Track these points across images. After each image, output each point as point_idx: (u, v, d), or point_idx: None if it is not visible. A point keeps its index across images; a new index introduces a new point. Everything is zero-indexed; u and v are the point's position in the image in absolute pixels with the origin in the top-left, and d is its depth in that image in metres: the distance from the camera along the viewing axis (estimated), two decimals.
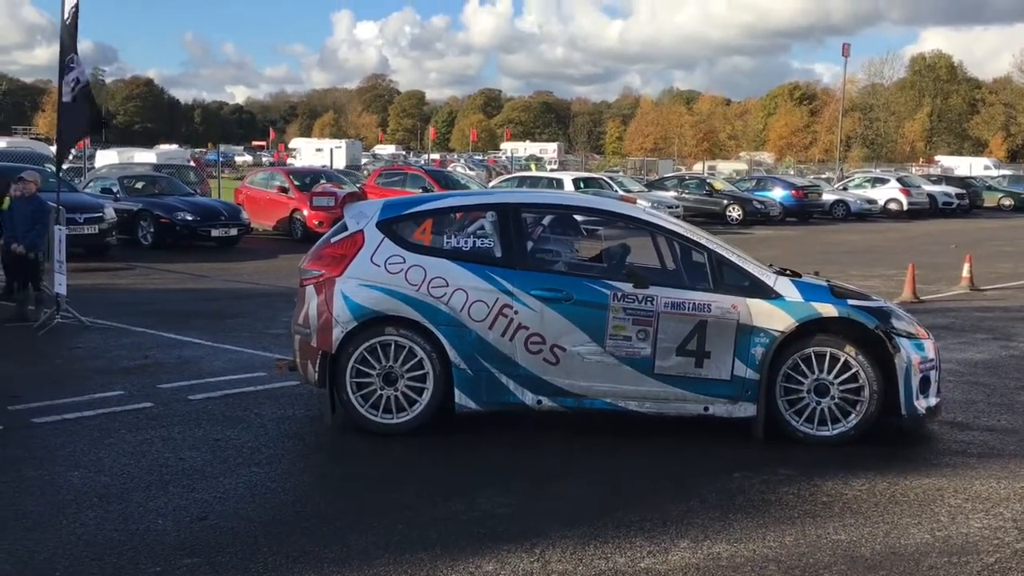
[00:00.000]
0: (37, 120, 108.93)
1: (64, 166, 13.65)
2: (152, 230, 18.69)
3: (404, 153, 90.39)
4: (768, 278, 6.41)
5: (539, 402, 6.38)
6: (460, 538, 4.65)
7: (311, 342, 6.49)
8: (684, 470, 5.79)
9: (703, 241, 6.64)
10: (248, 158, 76.31)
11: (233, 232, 19.22)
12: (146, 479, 5.43)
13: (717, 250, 6.54)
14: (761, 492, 5.38)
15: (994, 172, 57.07)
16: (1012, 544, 4.64)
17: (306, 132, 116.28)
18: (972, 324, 11.36)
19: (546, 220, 7.05)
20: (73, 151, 20.29)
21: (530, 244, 6.75)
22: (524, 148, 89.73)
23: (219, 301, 12.45)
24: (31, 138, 63.36)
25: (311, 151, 68.87)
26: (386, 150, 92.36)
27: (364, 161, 64.54)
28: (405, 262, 6.46)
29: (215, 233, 18.93)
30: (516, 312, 6.31)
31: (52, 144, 46.44)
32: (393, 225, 6.68)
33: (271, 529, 4.74)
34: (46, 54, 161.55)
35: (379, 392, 6.39)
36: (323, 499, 5.29)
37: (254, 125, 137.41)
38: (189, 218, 18.74)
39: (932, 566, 4.38)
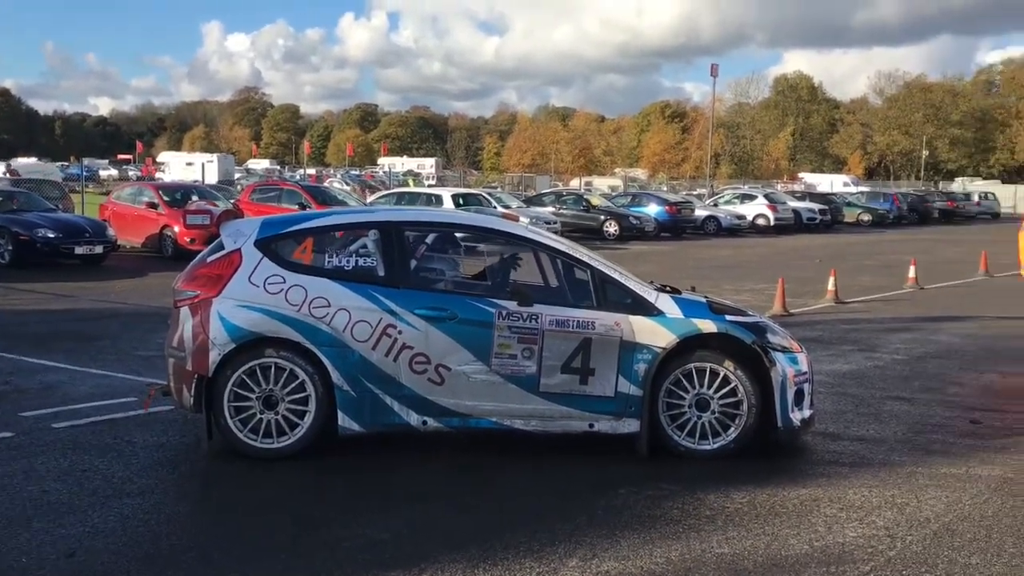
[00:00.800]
0: None
1: None
2: (10, 248, 17.74)
3: (279, 168, 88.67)
4: (649, 295, 6.51)
5: (424, 423, 6.29)
6: (345, 565, 4.53)
7: (186, 365, 6.25)
8: (570, 488, 5.80)
9: (586, 258, 6.70)
10: (113, 172, 73.65)
11: (99, 249, 18.44)
12: (7, 515, 5.11)
13: (599, 267, 6.60)
14: (647, 507, 5.43)
15: (853, 189, 59.73)
16: (885, 552, 4.80)
17: (175, 146, 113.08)
18: (839, 336, 11.81)
19: (429, 238, 6.98)
20: None
21: (413, 263, 6.68)
22: (402, 163, 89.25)
23: (85, 322, 11.90)
24: None
25: (181, 165, 66.83)
26: (260, 165, 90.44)
27: (237, 176, 62.95)
28: (285, 282, 6.30)
29: (79, 251, 18.12)
30: (400, 332, 6.22)
31: None
32: (272, 244, 6.50)
33: (145, 564, 4.52)
34: None
35: (259, 416, 6.20)
36: (201, 529, 5.08)
37: (119, 138, 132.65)
38: (51, 235, 17.89)
39: None
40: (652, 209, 34.16)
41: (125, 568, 4.46)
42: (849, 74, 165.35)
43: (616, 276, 6.58)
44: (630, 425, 6.34)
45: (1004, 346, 11.19)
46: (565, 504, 5.49)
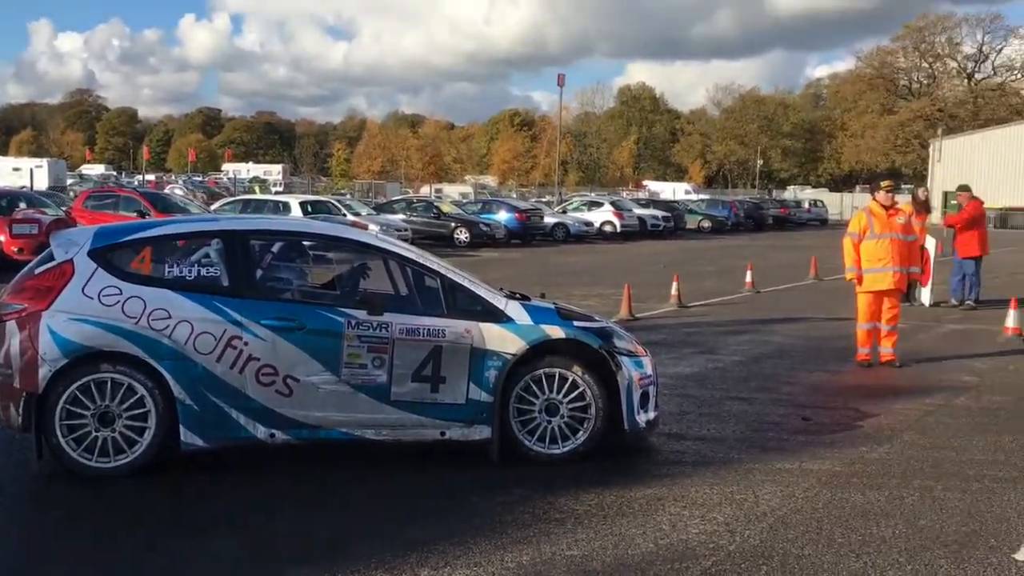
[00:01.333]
0: None
1: None
2: None
3: (115, 174, 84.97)
4: (499, 302, 6.56)
5: (272, 435, 6.15)
6: None
7: (13, 383, 5.91)
8: (422, 497, 5.78)
9: (435, 266, 6.70)
10: None
11: None
12: None
13: (449, 275, 6.62)
14: (498, 513, 5.47)
15: (694, 196, 62.00)
16: (726, 547, 4.99)
17: (1, 150, 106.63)
18: (681, 339, 12.22)
19: (276, 247, 6.84)
20: None
21: (259, 272, 6.53)
22: (247, 169, 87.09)
23: None
24: None
25: (7, 170, 62.90)
26: (94, 170, 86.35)
27: (70, 182, 59.91)
28: (122, 293, 6.04)
29: None
30: (246, 343, 6.07)
31: None
32: (107, 254, 6.23)
33: None
34: None
35: (94, 434, 5.92)
36: (31, 554, 4.81)
37: None
38: None
39: (657, 573, 4.62)
40: (502, 216, 34.47)
41: None
42: (689, 86, 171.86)
43: (466, 283, 6.61)
44: (482, 432, 6.37)
45: (832, 345, 11.82)
46: (417, 513, 5.47)
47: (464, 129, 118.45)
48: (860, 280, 10.50)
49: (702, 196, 62.02)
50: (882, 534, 5.22)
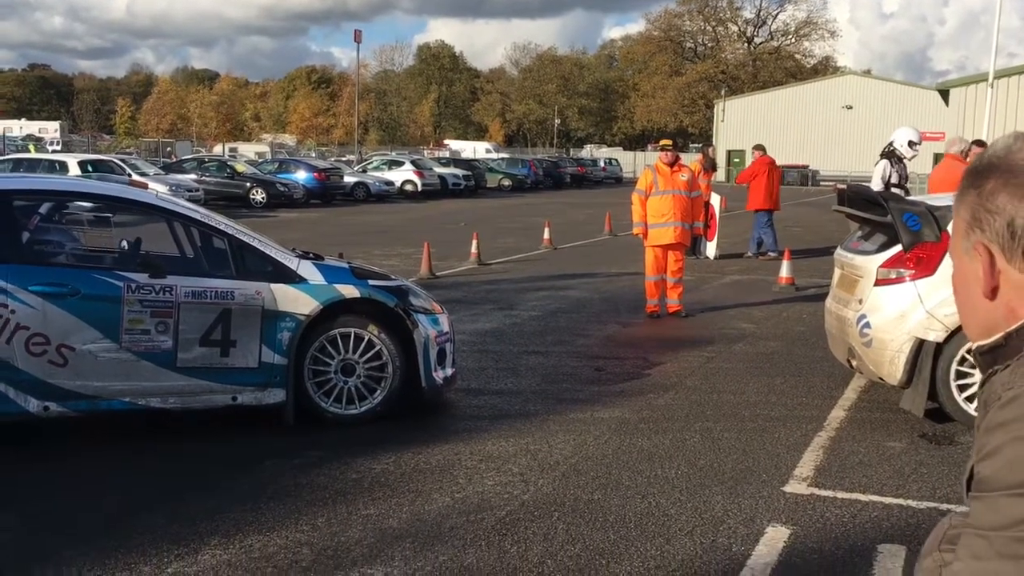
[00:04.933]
0: None
1: None
2: None
3: None
4: (291, 262, 6.40)
5: (46, 408, 5.77)
6: None
7: None
8: (212, 466, 5.59)
9: (222, 227, 6.44)
10: None
11: None
12: None
13: (237, 235, 6.39)
14: (293, 477, 5.37)
15: (494, 155, 62.67)
16: (520, 496, 5.11)
17: None
18: (481, 296, 12.37)
19: (44, 208, 6.38)
20: None
21: (26, 235, 6.08)
22: (20, 127, 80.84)
23: None
24: None
25: None
26: None
27: None
28: None
29: None
30: (12, 311, 5.64)
31: None
32: None
33: None
34: None
35: None
36: None
37: None
38: None
39: (453, 527, 4.67)
40: (301, 176, 33.67)
41: None
42: (490, 44, 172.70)
43: (255, 244, 6.40)
44: (275, 395, 6.23)
45: (624, 298, 12.28)
46: (207, 482, 5.29)
47: (260, 86, 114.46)
48: (646, 234, 10.93)
49: (502, 155, 62.76)
50: (666, 475, 5.49)
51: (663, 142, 11.38)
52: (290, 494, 5.10)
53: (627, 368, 8.35)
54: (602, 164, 62.76)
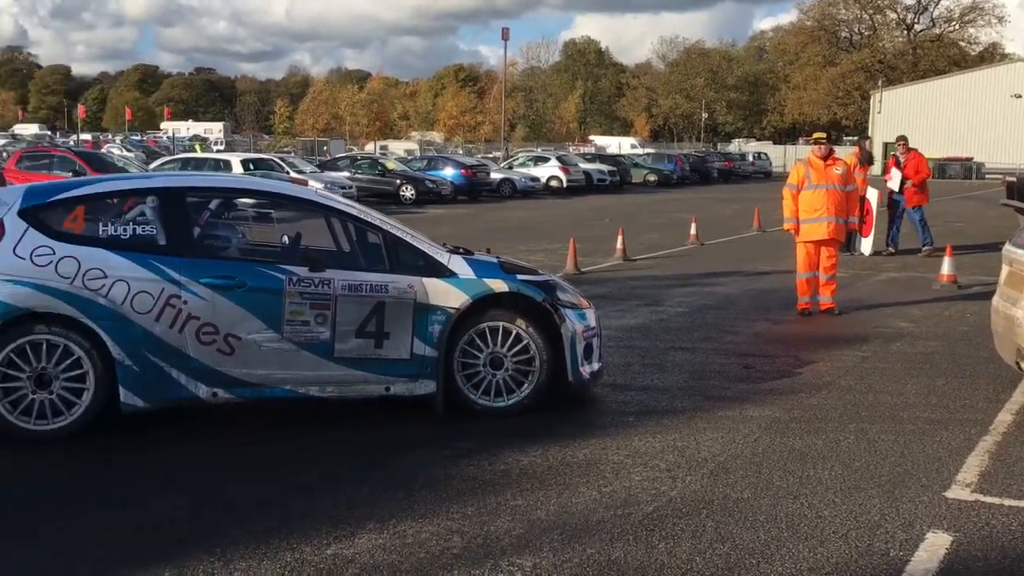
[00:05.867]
0: None
1: None
2: None
3: (50, 133, 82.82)
4: (442, 256, 6.55)
5: (214, 394, 6.10)
6: (133, 547, 4.34)
7: None
8: (367, 452, 5.79)
9: (377, 222, 6.65)
10: None
11: None
12: None
13: (391, 230, 6.58)
14: (443, 467, 5.50)
15: (640, 151, 62.20)
16: (667, 492, 5.08)
17: None
18: (626, 292, 12.32)
19: (213, 204, 6.73)
20: None
21: (197, 230, 6.43)
22: (187, 128, 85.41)
23: None
24: None
25: None
26: (28, 130, 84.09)
27: (2, 142, 58.32)
28: (55, 253, 5.91)
29: None
30: (185, 302, 5.98)
31: None
32: (39, 213, 6.08)
33: None
34: None
35: (31, 396, 5.81)
36: None
37: None
38: None
39: (600, 520, 4.69)
40: (448, 172, 34.29)
41: None
42: (636, 39, 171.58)
43: (408, 239, 6.57)
44: (426, 386, 6.38)
45: (773, 296, 12.00)
46: (362, 469, 5.48)
47: (410, 85, 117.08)
48: (798, 230, 10.65)
49: (648, 150, 62.24)
50: (819, 476, 5.35)
51: (816, 135, 11.07)
52: (440, 483, 5.23)
53: (777, 366, 8.16)
54: (750, 158, 61.38)
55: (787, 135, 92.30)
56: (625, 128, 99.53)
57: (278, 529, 4.54)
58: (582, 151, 57.19)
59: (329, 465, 5.56)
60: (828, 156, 10.69)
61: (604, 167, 42.86)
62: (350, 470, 5.45)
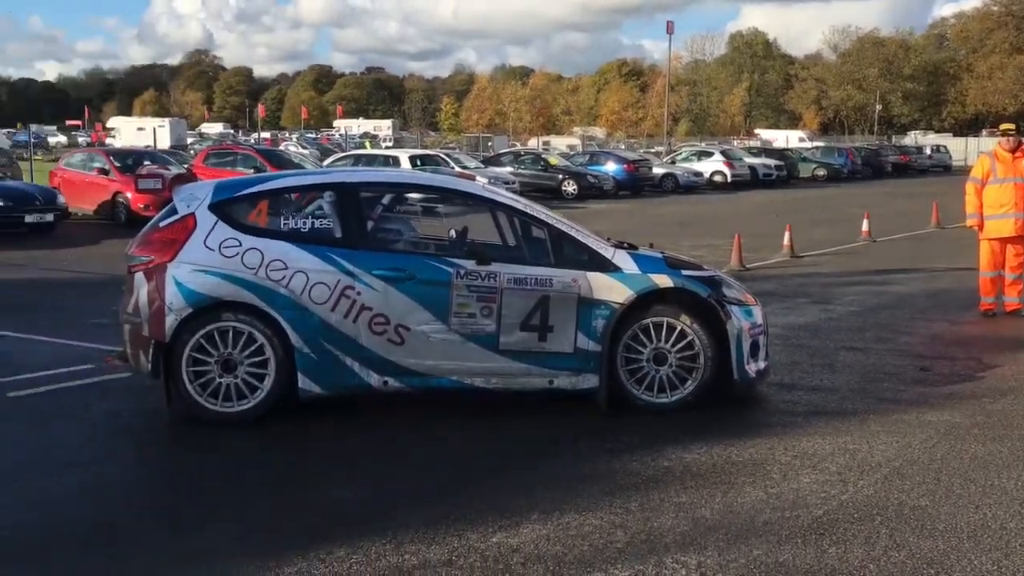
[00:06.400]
0: None
1: None
2: None
3: (232, 132, 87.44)
4: (606, 251, 6.55)
5: (385, 383, 6.31)
6: (310, 527, 4.56)
7: (142, 331, 6.20)
8: (531, 444, 5.86)
9: (542, 216, 6.72)
10: (62, 138, 72.10)
11: (49, 218, 18.11)
12: None
13: (556, 225, 6.63)
14: (606, 461, 5.51)
15: (808, 144, 60.20)
16: (838, 496, 4.92)
17: (125, 111, 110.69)
18: (794, 290, 11.98)
19: (385, 199, 6.96)
20: None
21: (370, 223, 6.67)
22: (358, 125, 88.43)
23: (36, 291, 11.74)
24: None
25: (132, 131, 65.44)
26: (213, 129, 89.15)
27: (190, 140, 61.97)
28: (241, 245, 6.25)
29: (29, 219, 17.79)
30: (359, 293, 6.22)
31: None
32: (227, 207, 6.45)
33: (106, 530, 4.52)
34: None
35: (217, 380, 6.17)
36: (162, 495, 5.10)
37: (67, 103, 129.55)
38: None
39: (767, 521, 4.60)
40: (610, 167, 34.20)
41: (85, 534, 4.46)
42: (806, 30, 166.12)
43: (573, 233, 6.61)
44: (589, 381, 6.41)
45: (953, 295, 11.41)
46: (526, 459, 5.56)
47: (573, 81, 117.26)
48: (981, 227, 10.09)
49: (817, 144, 60.16)
50: (1003, 485, 5.07)
51: (1004, 126, 10.45)
52: (603, 476, 5.24)
53: (957, 369, 7.76)
54: (928, 151, 58.36)
55: (969, 127, 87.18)
56: (793, 121, 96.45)
57: (446, 516, 4.66)
58: (747, 145, 55.80)
59: (494, 456, 5.66)
60: (1016, 148, 10.07)
61: (770, 161, 41.75)
62: (514, 461, 5.54)
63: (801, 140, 67.11)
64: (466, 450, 5.77)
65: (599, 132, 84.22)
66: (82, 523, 4.60)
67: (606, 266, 6.46)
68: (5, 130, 62.56)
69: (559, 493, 4.97)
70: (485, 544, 4.33)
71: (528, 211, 6.77)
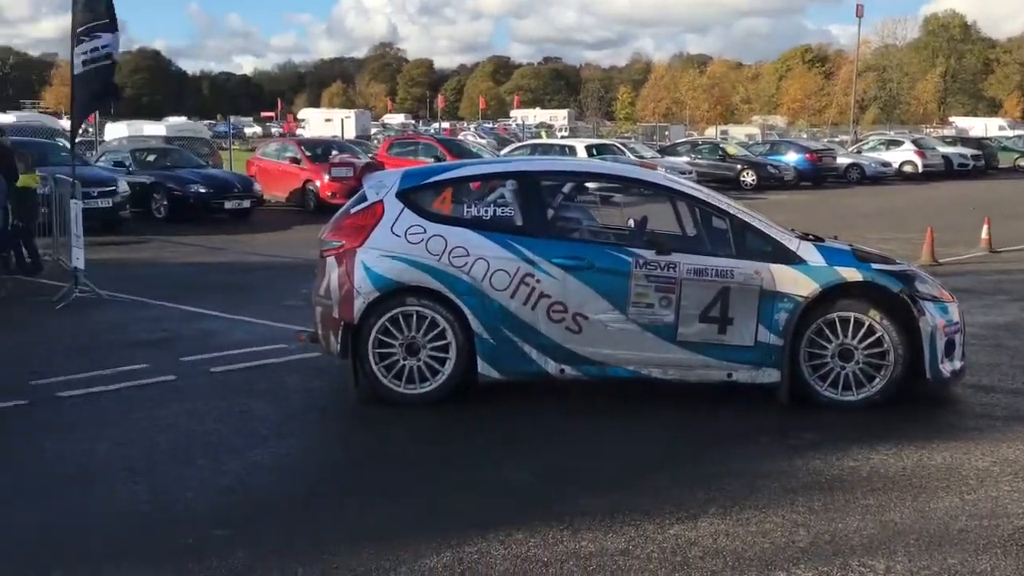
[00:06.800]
0: (44, 94, 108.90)
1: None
2: (165, 203, 18.65)
3: (413, 122, 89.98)
4: (791, 243, 6.37)
5: (562, 370, 6.36)
6: (488, 508, 4.66)
7: (333, 313, 6.48)
8: (709, 436, 5.78)
9: (725, 206, 6.59)
10: (257, 129, 76.11)
11: (246, 204, 19.20)
12: (172, 452, 5.45)
13: (739, 215, 6.49)
14: (788, 457, 5.36)
15: (1009, 132, 56.46)
16: None
17: (314, 102, 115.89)
18: (992, 287, 11.28)
19: (566, 187, 6.99)
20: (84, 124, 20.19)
21: (551, 212, 6.72)
22: (534, 115, 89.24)
23: (234, 273, 12.46)
24: (39, 112, 63.31)
25: (320, 121, 68.53)
26: (395, 119, 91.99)
27: (374, 131, 64.20)
28: (426, 232, 6.43)
29: (228, 205, 18.91)
30: (538, 281, 6.28)
31: (62, 118, 46.27)
32: (413, 195, 6.64)
33: (300, 501, 4.76)
34: (52, 26, 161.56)
35: (402, 362, 6.38)
36: (349, 471, 5.32)
37: (262, 96, 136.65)
38: (202, 190, 18.70)
39: (963, 529, 4.36)
40: (791, 157, 33.13)
41: (281, 505, 4.71)
42: (1010, 11, 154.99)
43: (756, 224, 6.46)
44: (770, 375, 6.25)
45: None
46: (703, 452, 5.48)
47: (753, 68, 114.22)
48: None
49: (1018, 132, 56.30)
50: None
51: None
52: (785, 473, 5.10)
53: None
54: None
55: None
56: (992, 109, 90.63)
57: (620, 505, 4.66)
58: (940, 134, 52.85)
59: (668, 447, 5.62)
60: None
61: (966, 151, 39.33)
62: (690, 453, 5.47)
63: (1001, 128, 63.01)
64: (639, 440, 5.74)
65: (780, 121, 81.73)
66: (281, 495, 4.85)
67: (790, 258, 6.28)
68: (206, 121, 66.54)
69: (738, 488, 4.87)
70: (663, 535, 4.30)
71: (710, 200, 6.66)
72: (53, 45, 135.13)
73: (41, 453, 5.42)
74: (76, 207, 10.35)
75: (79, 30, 10.13)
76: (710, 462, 5.30)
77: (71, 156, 11.96)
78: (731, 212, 6.51)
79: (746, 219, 6.47)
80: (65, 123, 36.36)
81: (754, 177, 30.79)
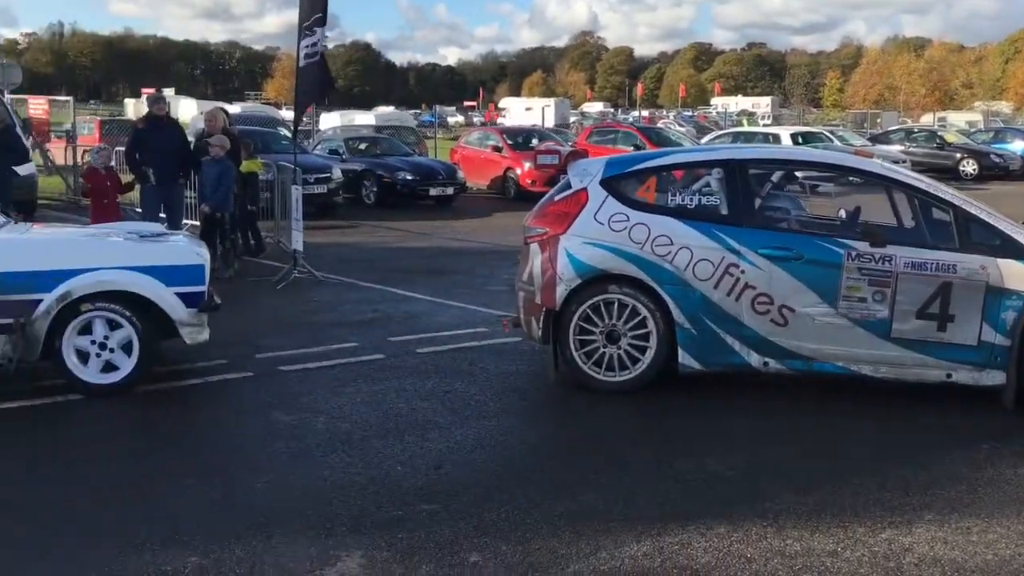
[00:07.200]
0: (266, 86, 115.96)
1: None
2: (375, 189, 19.44)
3: (612, 111, 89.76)
4: (1022, 236, 5.94)
5: (765, 364, 6.20)
6: (689, 498, 4.62)
7: (535, 299, 6.58)
8: (923, 439, 5.49)
9: (947, 196, 6.23)
10: (460, 118, 78.14)
11: (450, 191, 19.75)
12: (383, 427, 5.70)
13: (963, 206, 6.12)
14: (1013, 465, 5.03)
15: None
16: None
17: (515, 92, 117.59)
18: None
19: (774, 176, 6.80)
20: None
21: (758, 201, 6.55)
22: (736, 103, 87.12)
23: (439, 258, 12.85)
24: (262, 103, 67.48)
25: (520, 110, 69.52)
26: (594, 108, 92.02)
27: (572, 119, 64.52)
28: (629, 220, 6.41)
29: (433, 192, 19.51)
30: (743, 271, 6.15)
31: (282, 108, 49.09)
32: (616, 183, 6.63)
33: (502, 481, 4.87)
34: (276, 21, 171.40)
35: (602, 350, 6.39)
36: (549, 454, 5.40)
37: (465, 86, 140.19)
38: (409, 178, 19.37)
39: None
40: (1017, 146, 30.81)
41: (485, 483, 4.83)
42: None
43: (983, 216, 6.07)
44: (994, 377, 5.87)
45: None
46: (918, 455, 5.21)
47: (976, 50, 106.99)
48: None
49: None
50: None
51: None
52: (1011, 482, 4.79)
53: None
54: None
55: None
56: None
57: (828, 503, 4.51)
58: None
59: (878, 448, 5.38)
60: None
61: None
62: (903, 455, 5.21)
63: None
64: (850, 438, 5.52)
65: (1005, 107, 76.15)
66: (484, 473, 4.99)
67: (1021, 253, 5.86)
68: (412, 111, 68.88)
69: (958, 495, 4.61)
70: (874, 539, 4.13)
71: (931, 190, 6.31)
72: (276, 40, 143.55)
73: (268, 424, 5.79)
74: (297, 192, 10.96)
75: (304, 25, 10.72)
76: (924, 466, 5.03)
77: (293, 144, 12.65)
78: (954, 203, 6.15)
79: (971, 210, 6.09)
80: (284, 114, 38.65)
81: (975, 167, 28.85)
